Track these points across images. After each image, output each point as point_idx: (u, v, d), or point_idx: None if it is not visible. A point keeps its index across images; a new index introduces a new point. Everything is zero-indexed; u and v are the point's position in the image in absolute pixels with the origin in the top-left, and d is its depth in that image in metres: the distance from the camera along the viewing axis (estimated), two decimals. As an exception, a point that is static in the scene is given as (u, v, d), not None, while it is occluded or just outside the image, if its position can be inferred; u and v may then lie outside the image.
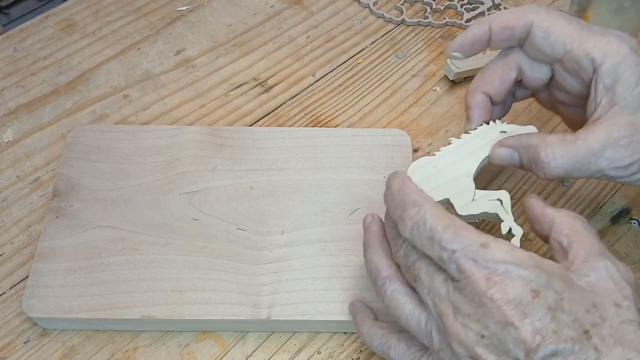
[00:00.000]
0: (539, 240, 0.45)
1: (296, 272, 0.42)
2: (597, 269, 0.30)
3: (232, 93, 0.54)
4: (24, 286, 0.42)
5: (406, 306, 0.32)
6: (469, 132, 0.38)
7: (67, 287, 0.41)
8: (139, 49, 0.58)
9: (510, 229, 0.35)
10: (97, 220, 0.44)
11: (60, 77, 0.56)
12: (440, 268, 0.30)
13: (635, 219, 0.46)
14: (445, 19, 0.59)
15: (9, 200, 0.48)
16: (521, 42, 0.37)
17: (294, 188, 0.46)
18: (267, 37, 0.58)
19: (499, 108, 0.40)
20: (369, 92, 0.54)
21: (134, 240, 0.43)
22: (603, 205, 0.47)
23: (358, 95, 0.54)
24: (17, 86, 0.55)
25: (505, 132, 0.38)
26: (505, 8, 0.59)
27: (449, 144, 0.38)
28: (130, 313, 0.40)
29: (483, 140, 0.37)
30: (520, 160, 0.36)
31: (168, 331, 0.41)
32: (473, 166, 0.37)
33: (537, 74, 0.38)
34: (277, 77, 0.55)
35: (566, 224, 0.32)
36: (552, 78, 0.38)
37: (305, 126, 0.52)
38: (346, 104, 0.53)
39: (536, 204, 0.34)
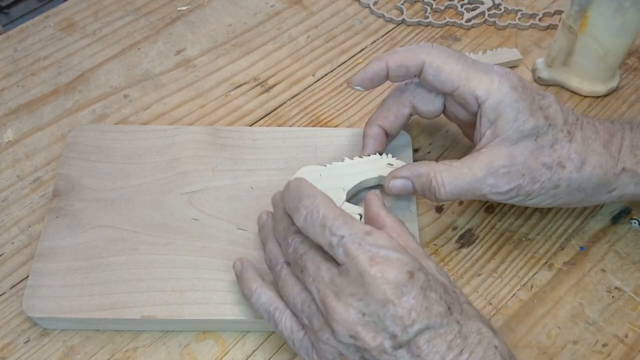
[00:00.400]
0: (538, 240, 0.45)
1: (296, 272, 0.42)
2: (429, 267, 0.34)
3: (232, 93, 0.54)
4: (24, 286, 0.42)
5: (294, 287, 0.35)
6: (362, 156, 0.43)
7: (67, 287, 0.41)
8: (139, 49, 0.58)
9: None
10: (97, 220, 0.44)
11: (60, 77, 0.56)
12: (327, 259, 0.34)
13: (636, 219, 0.46)
14: (445, 18, 0.59)
15: (9, 200, 0.48)
16: (417, 75, 0.41)
17: (294, 188, 0.46)
18: (267, 37, 0.58)
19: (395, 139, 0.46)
20: (369, 92, 0.54)
21: (134, 240, 0.43)
22: (603, 205, 0.47)
23: (358, 95, 0.54)
24: (17, 86, 0.55)
25: (392, 164, 0.42)
26: (505, 8, 0.59)
27: (342, 161, 0.42)
28: (131, 313, 0.40)
29: (370, 166, 0.42)
30: (414, 187, 0.40)
31: (168, 331, 0.41)
32: (351, 183, 0.42)
33: (430, 107, 0.43)
34: (277, 77, 0.55)
35: (394, 229, 0.36)
36: (445, 107, 0.43)
37: (305, 126, 0.52)
38: (346, 104, 0.53)
39: (375, 202, 0.38)
